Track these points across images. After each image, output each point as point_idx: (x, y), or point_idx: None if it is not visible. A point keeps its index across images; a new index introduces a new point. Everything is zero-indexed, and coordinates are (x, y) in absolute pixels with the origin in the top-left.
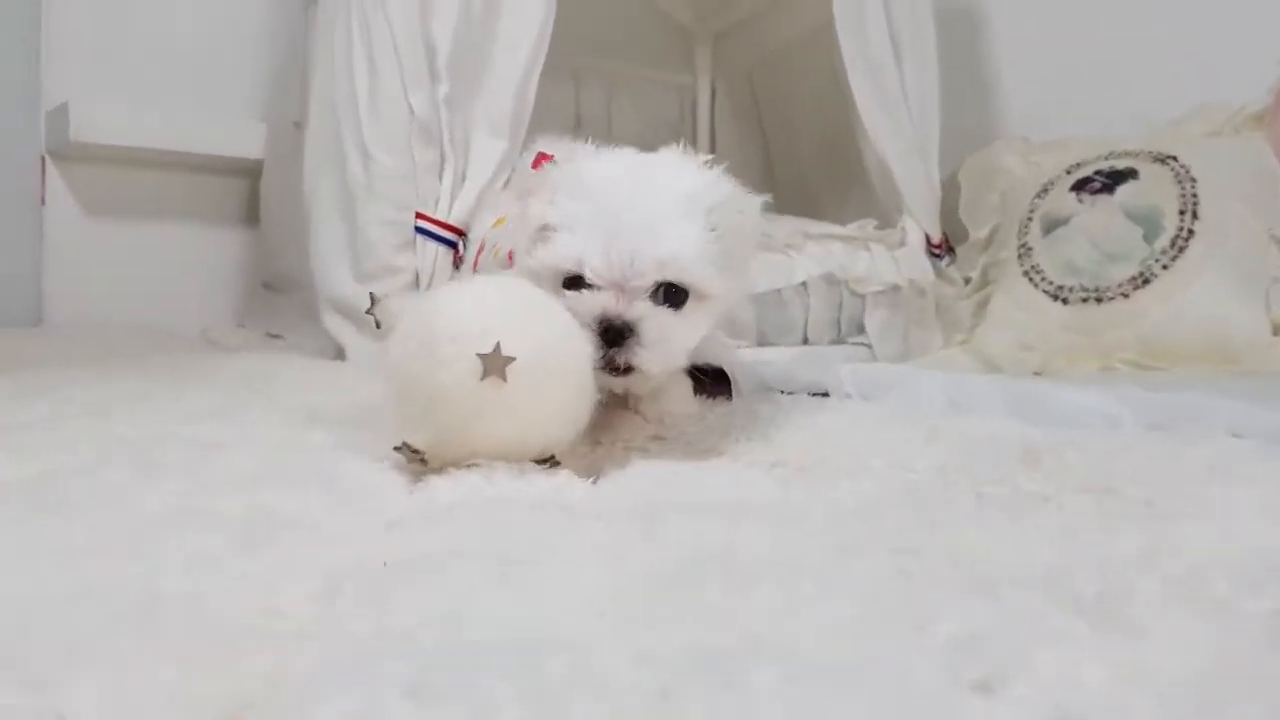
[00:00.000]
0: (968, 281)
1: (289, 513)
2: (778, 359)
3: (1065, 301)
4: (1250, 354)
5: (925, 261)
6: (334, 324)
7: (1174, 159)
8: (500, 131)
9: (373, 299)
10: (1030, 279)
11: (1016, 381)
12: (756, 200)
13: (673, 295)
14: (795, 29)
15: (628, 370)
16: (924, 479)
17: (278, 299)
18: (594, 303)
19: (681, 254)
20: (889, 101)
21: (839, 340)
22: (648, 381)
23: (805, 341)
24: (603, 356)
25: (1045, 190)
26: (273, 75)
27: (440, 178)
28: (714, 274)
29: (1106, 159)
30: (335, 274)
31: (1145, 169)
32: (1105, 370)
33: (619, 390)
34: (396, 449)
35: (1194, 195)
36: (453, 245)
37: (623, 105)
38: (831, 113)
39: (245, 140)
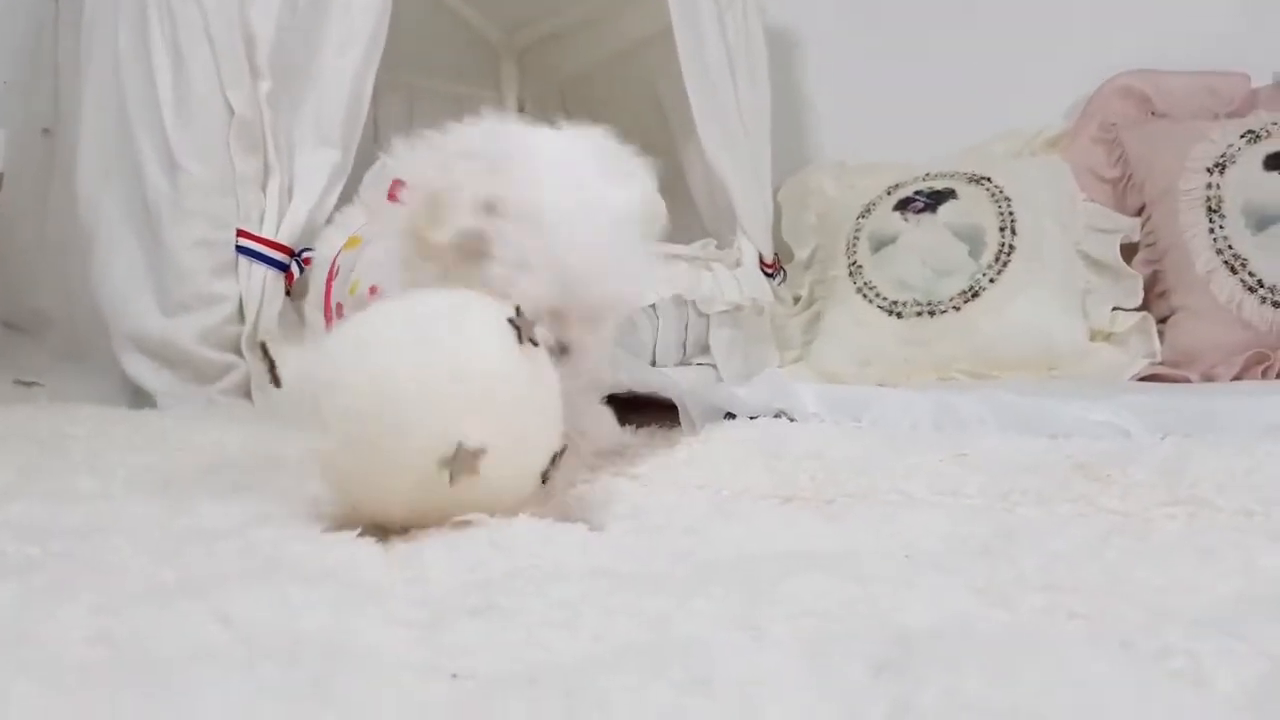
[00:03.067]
0: (797, 300)
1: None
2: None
3: (900, 316)
4: (1071, 360)
5: (762, 280)
6: (136, 365)
7: (988, 179)
8: (331, 139)
9: (265, 350)
10: (864, 295)
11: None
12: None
13: None
14: (610, 46)
15: None
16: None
17: (23, 340)
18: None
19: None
20: (725, 118)
21: (685, 362)
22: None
23: (654, 364)
24: None
25: (868, 210)
26: (7, 77)
27: (264, 189)
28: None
29: (924, 180)
30: (134, 307)
31: (963, 189)
32: (943, 380)
33: None
34: (444, 462)
35: (1011, 213)
36: (284, 267)
37: (424, 119)
38: (649, 130)
39: None
